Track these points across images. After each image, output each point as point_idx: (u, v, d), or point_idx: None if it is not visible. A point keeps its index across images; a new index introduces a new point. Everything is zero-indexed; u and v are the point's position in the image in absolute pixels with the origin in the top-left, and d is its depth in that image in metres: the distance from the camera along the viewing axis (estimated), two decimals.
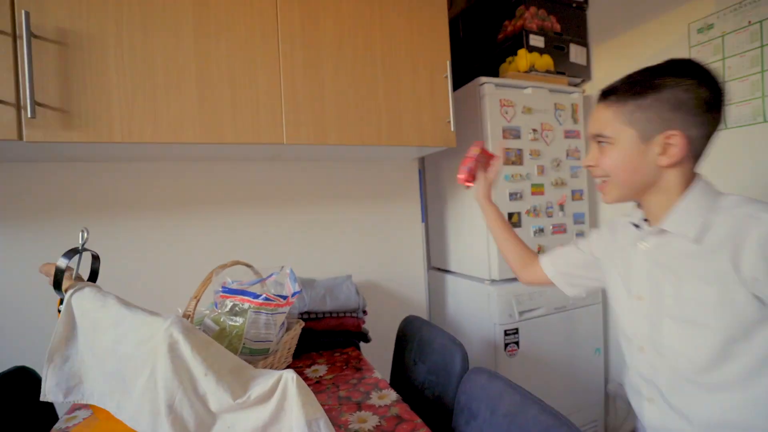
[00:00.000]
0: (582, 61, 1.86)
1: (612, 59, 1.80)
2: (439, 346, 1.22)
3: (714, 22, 1.43)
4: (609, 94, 0.74)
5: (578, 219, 1.72)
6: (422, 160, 2.10)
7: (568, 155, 1.69)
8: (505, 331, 1.56)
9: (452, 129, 1.46)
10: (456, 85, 1.64)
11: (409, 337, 1.38)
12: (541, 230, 1.62)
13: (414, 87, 1.42)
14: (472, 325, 1.72)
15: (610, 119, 0.73)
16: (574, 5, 1.87)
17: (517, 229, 1.59)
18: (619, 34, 1.77)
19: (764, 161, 1.33)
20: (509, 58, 1.78)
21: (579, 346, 1.74)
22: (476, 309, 1.68)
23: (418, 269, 1.88)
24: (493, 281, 1.61)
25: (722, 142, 1.43)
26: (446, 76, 1.46)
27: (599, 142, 0.75)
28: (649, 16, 1.64)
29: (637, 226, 0.80)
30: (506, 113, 1.58)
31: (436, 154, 1.88)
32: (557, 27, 1.81)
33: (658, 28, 1.61)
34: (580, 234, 1.72)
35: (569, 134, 1.70)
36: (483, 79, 1.59)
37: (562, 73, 1.79)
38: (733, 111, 1.38)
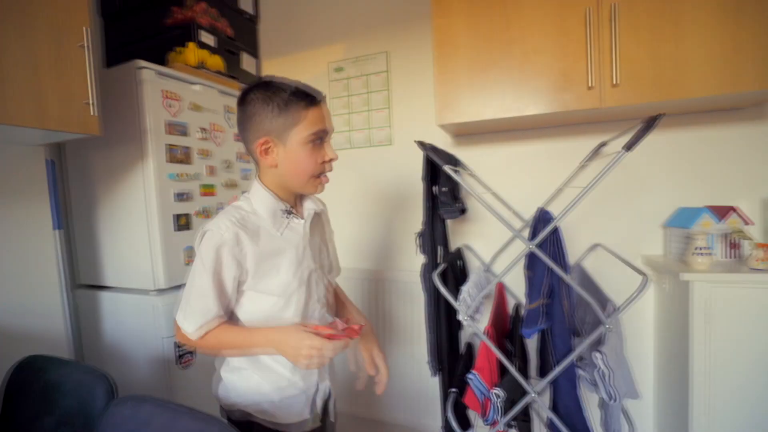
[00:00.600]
0: (253, 70, 1.98)
1: (279, 74, 2.02)
2: (74, 386, 0.97)
3: (344, 67, 1.89)
4: None
5: None
6: (59, 150, 1.61)
7: (239, 158, 1.76)
8: (176, 343, 1.44)
9: (94, 113, 1.19)
10: (110, 63, 1.35)
11: (26, 387, 1.02)
12: None
13: (31, 49, 1.05)
14: (137, 345, 1.48)
15: None
16: (246, 16, 1.97)
17: (186, 232, 1.50)
18: (284, 54, 2.02)
19: (369, 174, 1.88)
20: (178, 48, 1.65)
21: None
22: (141, 326, 1.46)
23: (52, 290, 1.43)
24: (159, 291, 1.44)
25: (347, 159, 1.92)
26: (83, 47, 1.17)
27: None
28: (304, 47, 1.97)
29: (294, 214, 0.89)
30: (171, 107, 1.45)
31: (80, 144, 1.48)
32: (229, 31, 1.85)
33: (312, 59, 1.96)
34: None
35: (239, 138, 1.77)
36: (142, 62, 1.39)
37: (235, 78, 1.84)
38: (353, 136, 1.88)
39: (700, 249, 1.24)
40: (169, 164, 1.44)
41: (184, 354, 1.46)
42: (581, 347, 1.02)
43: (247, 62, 1.94)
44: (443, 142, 1.72)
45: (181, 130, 1.49)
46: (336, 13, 1.88)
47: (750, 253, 1.22)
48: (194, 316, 0.79)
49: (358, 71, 1.86)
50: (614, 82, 1.20)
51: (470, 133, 1.69)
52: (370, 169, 1.88)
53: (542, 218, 1.12)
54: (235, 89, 1.81)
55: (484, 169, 1.66)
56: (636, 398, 1.11)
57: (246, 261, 0.79)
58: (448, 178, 1.09)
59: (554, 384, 1.09)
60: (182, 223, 1.48)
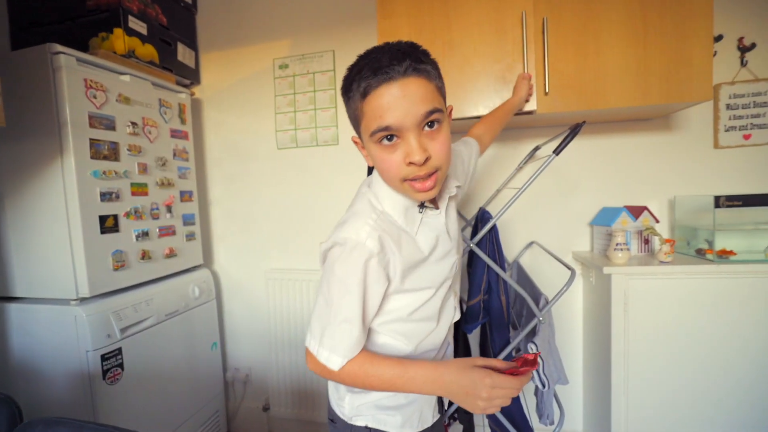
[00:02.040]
0: (191, 63, 1.87)
1: (221, 69, 1.93)
2: None
3: (289, 64, 1.84)
4: (420, 63, 0.59)
5: (188, 220, 1.72)
6: None
7: (175, 155, 1.65)
8: (103, 356, 1.32)
9: None
10: (16, 45, 1.20)
11: None
12: (146, 233, 1.49)
13: None
14: (54, 362, 1.33)
15: (436, 94, 0.61)
16: (182, 4, 1.85)
17: (114, 234, 1.38)
18: (225, 47, 1.92)
19: (315, 173, 1.85)
20: (102, 34, 1.51)
21: (196, 345, 1.76)
22: (60, 339, 1.31)
23: None
24: (82, 300, 1.31)
25: (294, 158, 1.88)
26: None
27: (429, 123, 0.60)
28: (246, 42, 1.89)
29: (430, 206, 0.73)
30: (95, 97, 1.33)
31: None
32: (163, 20, 1.73)
33: (255, 54, 1.88)
34: (191, 235, 1.74)
35: (176, 134, 1.67)
36: (58, 47, 1.25)
37: (170, 70, 1.72)
38: (299, 135, 1.85)
39: (619, 245, 1.37)
40: (93, 160, 1.31)
41: (111, 368, 1.34)
42: (517, 339, 1.08)
43: (184, 54, 1.83)
44: None
45: (107, 123, 1.36)
46: (281, 8, 1.83)
47: (659, 248, 1.36)
48: (341, 348, 0.65)
49: (304, 69, 1.82)
50: (546, 91, 1.29)
51: None
52: (317, 168, 1.85)
53: (482, 218, 1.17)
54: (171, 82, 1.70)
55: None
56: (566, 384, 1.20)
57: (394, 273, 0.66)
58: None
59: None
60: (109, 224, 1.36)
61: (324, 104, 1.81)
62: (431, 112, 0.59)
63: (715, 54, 1.48)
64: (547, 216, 1.66)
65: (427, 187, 0.62)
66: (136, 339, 1.43)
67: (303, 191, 1.88)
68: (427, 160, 0.60)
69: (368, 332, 0.70)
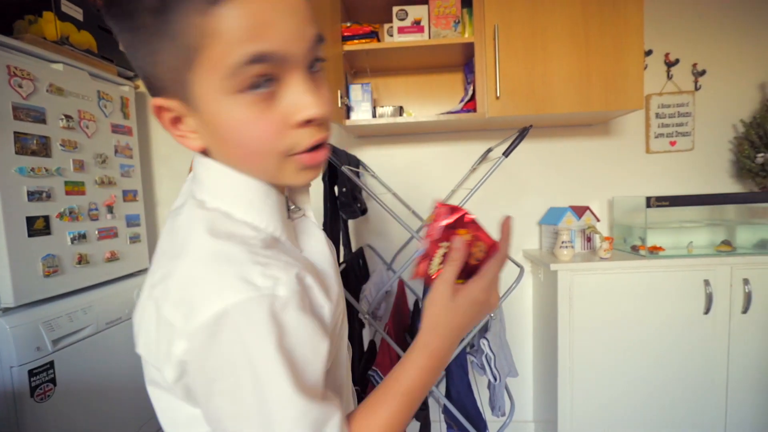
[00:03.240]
0: None
1: None
2: None
3: None
4: None
5: (132, 221, 1.61)
6: None
7: (117, 152, 1.54)
8: (31, 371, 1.20)
9: None
10: None
11: None
12: (83, 236, 1.37)
13: None
14: None
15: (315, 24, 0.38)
16: None
17: (45, 237, 1.27)
18: None
19: None
20: (29, 17, 1.38)
21: (136, 354, 1.65)
22: None
23: None
24: (5, 310, 1.19)
25: None
26: None
27: (314, 63, 0.38)
28: None
29: (295, 208, 0.49)
30: (20, 86, 1.21)
31: None
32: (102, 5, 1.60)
33: None
34: (135, 237, 1.63)
35: (118, 129, 1.56)
36: None
37: (110, 60, 1.61)
38: None
39: (565, 243, 1.45)
40: (18, 156, 1.19)
41: (41, 384, 1.23)
42: (470, 336, 1.11)
43: None
44: (347, 142, 1.74)
45: (35, 116, 1.24)
46: None
47: (599, 245, 1.46)
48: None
49: None
50: (497, 96, 1.34)
51: (372, 134, 1.73)
52: None
53: None
54: (112, 74, 1.59)
55: (387, 170, 1.71)
56: (516, 376, 1.25)
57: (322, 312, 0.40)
58: (348, 178, 1.10)
59: (447, 371, 1.17)
60: (39, 226, 1.24)
61: None
62: (320, 40, 0.38)
63: (646, 67, 1.61)
64: (499, 215, 1.72)
65: (320, 159, 0.40)
66: (72, 351, 1.32)
67: None
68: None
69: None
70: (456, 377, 1.16)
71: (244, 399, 0.34)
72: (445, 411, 1.17)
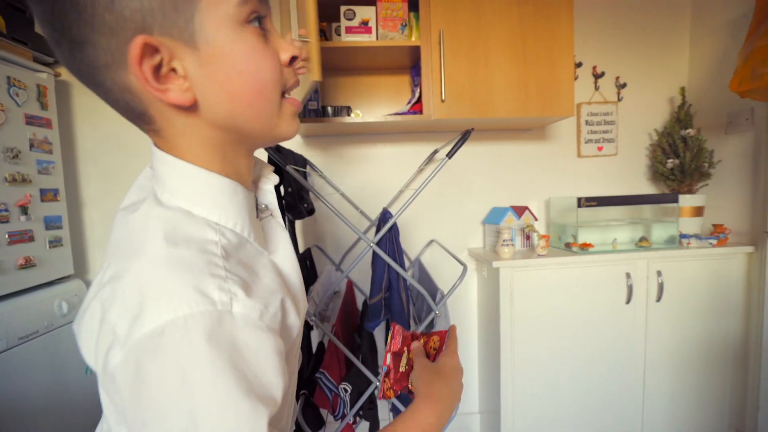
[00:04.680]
0: None
1: None
2: None
3: None
4: None
5: (53, 223, 1.46)
6: None
7: (33, 146, 1.39)
8: None
9: None
10: None
11: None
12: None
13: None
14: None
15: None
16: None
17: None
18: None
19: None
20: None
21: (65, 371, 1.50)
22: None
23: None
24: None
25: None
26: None
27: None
28: None
29: (263, 207, 0.47)
30: None
31: None
32: None
33: None
34: (56, 241, 1.48)
35: (34, 121, 1.40)
36: None
37: (24, 43, 1.44)
38: None
39: (506, 241, 1.53)
40: None
41: None
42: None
43: None
44: (294, 142, 1.70)
45: None
46: None
47: (537, 243, 1.56)
48: None
49: None
50: (442, 98, 1.39)
51: (319, 134, 1.71)
52: None
53: (384, 218, 1.20)
54: (26, 58, 1.42)
55: (335, 170, 1.70)
56: None
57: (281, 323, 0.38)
58: (294, 178, 1.07)
59: None
60: None
61: None
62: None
63: (576, 78, 1.74)
64: (445, 216, 1.79)
65: (300, 106, 0.41)
66: None
67: None
68: None
69: None
70: None
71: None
72: (393, 409, 1.19)
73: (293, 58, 0.38)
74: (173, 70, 0.33)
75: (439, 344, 0.57)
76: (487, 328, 1.67)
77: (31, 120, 1.39)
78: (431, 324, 1.17)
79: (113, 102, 0.36)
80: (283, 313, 0.37)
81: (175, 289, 0.30)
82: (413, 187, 1.60)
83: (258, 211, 0.45)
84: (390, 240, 1.09)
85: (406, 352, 0.55)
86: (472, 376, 1.83)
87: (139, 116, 0.37)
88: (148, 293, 0.30)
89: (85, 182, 1.73)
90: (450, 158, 1.07)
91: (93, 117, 1.69)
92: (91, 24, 0.30)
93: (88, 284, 1.68)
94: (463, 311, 1.80)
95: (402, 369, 0.54)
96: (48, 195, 1.44)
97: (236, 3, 0.33)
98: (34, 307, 1.37)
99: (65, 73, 1.66)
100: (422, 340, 0.57)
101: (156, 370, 0.29)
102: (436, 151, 1.55)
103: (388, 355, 0.55)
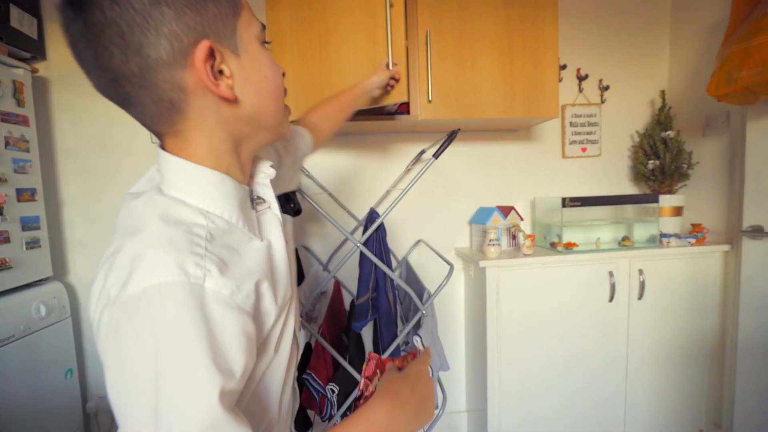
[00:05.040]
0: (32, 33, 1.54)
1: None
2: None
3: None
4: None
5: (30, 224, 1.42)
6: None
7: (9, 144, 1.34)
8: None
9: None
10: None
11: None
12: None
13: None
14: None
15: None
16: None
17: None
18: None
19: None
20: None
21: (43, 375, 1.46)
22: None
23: None
24: None
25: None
26: None
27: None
28: None
29: (259, 200, 0.53)
30: None
31: None
32: None
33: None
34: (34, 242, 1.43)
35: (10, 118, 1.36)
36: None
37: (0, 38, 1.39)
38: None
39: (492, 241, 1.54)
40: None
41: None
42: (404, 333, 1.14)
43: (21, 20, 1.49)
44: None
45: None
46: None
47: (523, 243, 1.58)
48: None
49: None
50: (429, 99, 1.39)
51: None
52: None
53: (371, 218, 1.20)
54: (0, 53, 1.38)
55: (323, 170, 1.69)
56: (447, 370, 1.31)
57: (257, 311, 0.42)
58: None
59: None
60: None
61: None
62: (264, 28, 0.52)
63: (561, 80, 1.77)
64: (433, 215, 1.80)
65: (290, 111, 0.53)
66: None
67: None
68: None
69: None
70: None
71: (139, 386, 0.34)
72: None
73: (283, 74, 0.49)
74: (221, 71, 0.42)
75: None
76: (474, 327, 1.68)
77: (6, 117, 1.35)
78: (418, 324, 1.18)
79: (156, 101, 0.41)
80: (257, 297, 0.42)
81: (159, 261, 0.36)
82: (400, 187, 1.60)
83: (253, 202, 0.50)
84: (377, 240, 1.09)
85: (378, 374, 0.57)
86: (460, 375, 1.84)
87: (174, 114, 0.42)
88: (138, 263, 0.36)
89: (65, 181, 1.68)
90: (437, 158, 1.08)
91: (73, 114, 1.65)
92: (158, 31, 0.37)
93: (68, 286, 1.64)
94: (450, 311, 1.81)
95: (372, 389, 0.56)
96: (25, 195, 1.40)
97: (259, 28, 0.46)
98: (9, 311, 1.33)
99: (43, 69, 1.62)
100: (397, 362, 0.58)
101: (131, 329, 0.35)
102: (423, 152, 1.55)
103: (362, 380, 0.57)
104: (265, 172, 0.53)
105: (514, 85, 1.45)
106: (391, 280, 1.12)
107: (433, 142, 1.53)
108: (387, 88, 1.13)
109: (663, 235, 1.63)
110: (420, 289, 1.24)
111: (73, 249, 1.71)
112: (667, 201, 1.69)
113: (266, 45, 0.48)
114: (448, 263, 1.19)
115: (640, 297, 1.56)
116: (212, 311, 0.36)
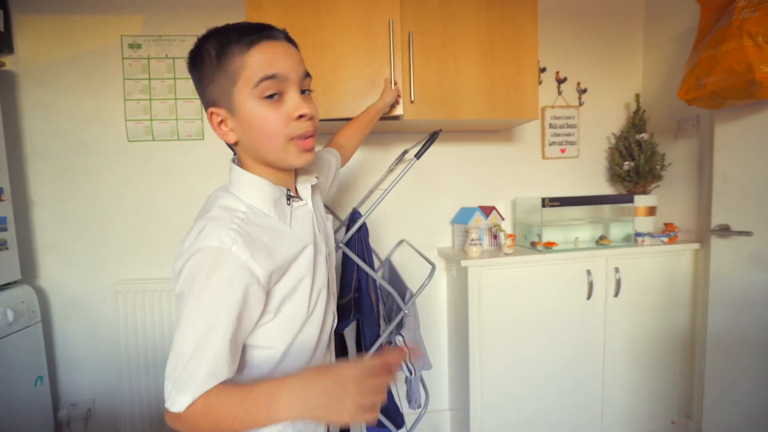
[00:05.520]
0: None
1: (46, 37, 1.57)
2: None
3: (142, 44, 1.60)
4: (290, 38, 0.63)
5: None
6: None
7: None
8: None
9: None
10: None
11: None
12: None
13: None
14: None
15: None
16: None
17: None
18: (50, 11, 1.56)
19: (176, 171, 1.66)
20: None
21: (12, 383, 1.40)
22: None
23: None
24: None
25: (150, 153, 1.66)
26: None
27: (303, 90, 0.61)
28: (81, 8, 1.58)
29: (296, 198, 0.68)
30: None
31: None
32: None
33: (95, 26, 1.58)
34: (1, 244, 1.37)
35: None
36: None
37: None
38: (156, 126, 1.63)
39: (474, 240, 1.56)
40: None
41: None
42: (386, 333, 1.14)
43: None
44: None
45: None
46: None
47: (504, 242, 1.60)
48: (193, 384, 0.52)
49: (162, 52, 1.61)
50: (411, 99, 1.40)
51: None
52: (178, 165, 1.66)
53: (353, 218, 1.20)
54: None
55: None
56: (429, 369, 1.31)
57: (268, 282, 0.57)
58: None
59: None
60: None
61: (187, 94, 1.63)
62: (308, 75, 0.62)
63: (541, 82, 1.81)
64: (416, 215, 1.80)
65: (311, 146, 0.62)
66: None
67: (162, 190, 1.66)
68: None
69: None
70: None
71: (188, 323, 0.53)
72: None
73: (300, 116, 0.59)
74: (225, 123, 0.60)
75: None
76: (457, 326, 1.70)
77: None
78: (401, 323, 1.18)
79: None
80: (271, 263, 0.57)
81: (210, 232, 0.55)
82: (383, 187, 1.60)
83: (289, 199, 0.66)
84: (359, 240, 1.09)
85: None
86: (443, 373, 1.85)
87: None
88: (202, 231, 0.55)
89: (35, 181, 1.62)
90: (418, 158, 1.08)
91: (44, 110, 1.59)
92: (203, 94, 0.62)
93: (38, 290, 1.57)
94: (433, 310, 1.82)
95: None
96: None
97: (252, 87, 0.57)
98: None
99: (11, 63, 1.55)
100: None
101: (184, 274, 0.54)
102: (405, 152, 1.56)
103: None
104: (305, 179, 0.71)
105: (496, 87, 1.47)
106: (374, 280, 1.12)
107: (415, 143, 1.54)
108: (395, 103, 1.33)
109: (638, 234, 1.68)
110: (402, 289, 1.24)
111: (43, 251, 1.65)
112: (641, 201, 1.75)
113: (275, 95, 0.58)
114: (430, 263, 1.20)
115: (617, 294, 1.61)
116: (238, 274, 0.53)
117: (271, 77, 0.56)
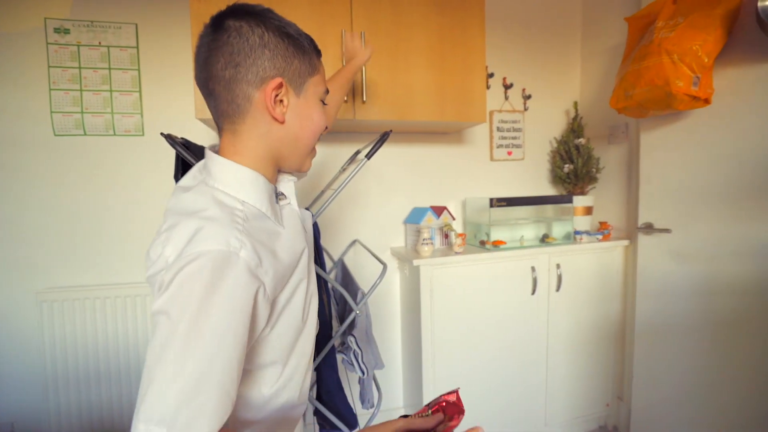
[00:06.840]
0: None
1: None
2: None
3: (70, 29, 1.47)
4: None
5: None
6: None
7: None
8: None
9: None
10: None
11: None
12: None
13: None
14: None
15: None
16: None
17: None
18: None
19: (111, 168, 1.54)
20: None
21: None
22: None
23: None
24: None
25: (81, 149, 1.52)
26: None
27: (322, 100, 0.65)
28: None
29: (282, 196, 0.66)
30: None
31: None
32: None
33: (13, 5, 1.43)
34: None
35: None
36: None
37: None
38: (88, 120, 1.50)
39: (425, 240, 1.59)
40: None
41: None
42: (338, 333, 1.13)
43: None
44: (208, 136, 1.59)
45: None
46: None
47: (454, 241, 1.65)
48: (211, 418, 0.43)
49: (94, 39, 1.48)
50: (363, 100, 1.40)
51: None
52: (114, 163, 1.54)
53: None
54: None
55: None
56: (382, 368, 1.33)
57: (274, 289, 0.53)
58: None
59: (318, 372, 1.17)
60: None
61: (124, 86, 1.52)
62: (327, 92, 0.68)
63: (489, 87, 1.88)
64: (369, 216, 1.81)
65: (315, 152, 0.69)
66: None
67: (95, 190, 1.53)
68: None
69: None
70: (326, 377, 1.17)
71: (188, 344, 0.43)
72: (317, 413, 1.17)
73: (326, 127, 0.65)
74: (281, 101, 0.57)
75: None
76: (410, 324, 1.73)
77: None
78: (353, 324, 1.18)
79: (226, 101, 0.56)
80: (274, 269, 0.53)
81: (211, 233, 0.47)
82: (335, 187, 1.59)
83: (277, 197, 0.63)
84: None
85: (445, 419, 0.58)
86: (397, 371, 1.88)
87: (236, 116, 0.56)
88: (199, 233, 0.47)
89: None
90: (369, 159, 1.09)
91: None
92: (255, 61, 0.54)
93: None
94: (387, 309, 1.84)
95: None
96: None
97: (323, 91, 0.63)
98: None
99: None
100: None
101: (186, 273, 0.45)
102: (358, 152, 1.56)
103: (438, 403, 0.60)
104: (286, 181, 0.67)
105: (446, 90, 1.51)
106: (325, 281, 1.11)
107: (368, 143, 1.55)
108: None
109: (576, 233, 1.80)
110: (355, 290, 1.24)
111: None
112: (579, 201, 1.88)
113: (322, 103, 0.64)
114: (382, 263, 1.21)
115: (558, 289, 1.71)
116: (239, 275, 0.47)
117: (327, 91, 0.65)
